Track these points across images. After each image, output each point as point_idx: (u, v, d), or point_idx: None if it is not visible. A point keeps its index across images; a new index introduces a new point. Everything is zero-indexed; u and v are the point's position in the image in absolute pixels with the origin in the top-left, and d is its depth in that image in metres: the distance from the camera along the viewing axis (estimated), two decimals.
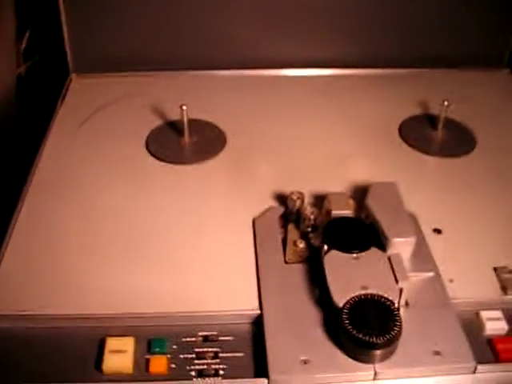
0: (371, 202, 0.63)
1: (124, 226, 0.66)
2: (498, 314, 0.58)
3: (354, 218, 0.63)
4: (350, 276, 0.56)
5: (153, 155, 0.77)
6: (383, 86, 0.92)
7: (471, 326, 0.56)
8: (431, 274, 0.60)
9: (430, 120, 0.84)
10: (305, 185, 0.68)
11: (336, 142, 0.80)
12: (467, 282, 0.61)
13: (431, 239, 0.64)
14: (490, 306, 0.58)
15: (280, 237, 0.64)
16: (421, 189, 0.72)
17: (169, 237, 0.64)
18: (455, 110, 0.81)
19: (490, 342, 0.55)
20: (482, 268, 0.62)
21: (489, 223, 0.68)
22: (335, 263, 0.57)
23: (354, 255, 0.58)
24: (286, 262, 0.61)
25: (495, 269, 0.62)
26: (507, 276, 0.61)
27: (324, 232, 0.59)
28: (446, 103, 0.78)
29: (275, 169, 0.75)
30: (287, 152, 0.78)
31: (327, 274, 0.56)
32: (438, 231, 0.66)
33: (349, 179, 0.72)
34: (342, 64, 0.94)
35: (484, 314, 0.57)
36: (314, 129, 0.83)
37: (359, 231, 0.60)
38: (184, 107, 0.75)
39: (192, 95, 0.85)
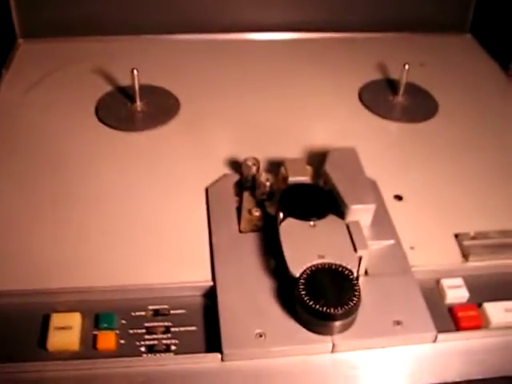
0: (329, 168, 0.60)
1: (71, 196, 0.62)
2: (458, 281, 0.56)
3: (311, 184, 0.60)
4: (306, 245, 0.53)
5: (102, 122, 0.73)
6: (342, 50, 0.90)
7: (432, 295, 0.55)
8: (391, 241, 0.59)
9: (391, 85, 0.82)
10: (260, 151, 0.66)
11: (294, 106, 0.78)
12: (428, 249, 0.59)
13: (392, 206, 0.62)
14: (451, 274, 0.57)
15: (234, 205, 0.61)
16: (381, 155, 0.70)
17: (117, 206, 0.61)
18: (416, 74, 0.80)
19: (451, 310, 0.54)
20: (444, 235, 0.60)
21: (450, 190, 0.66)
22: (291, 231, 0.55)
23: (311, 223, 0.55)
24: (240, 232, 0.58)
25: (456, 235, 0.60)
26: (468, 243, 0.59)
27: (280, 199, 0.57)
28: (406, 67, 0.75)
29: (230, 135, 0.72)
30: (243, 118, 0.75)
31: (283, 243, 0.53)
32: (398, 198, 0.64)
33: (306, 145, 0.70)
34: (303, 28, 0.91)
35: (445, 282, 0.56)
36: (272, 94, 0.80)
37: (316, 198, 0.58)
38: (135, 71, 0.72)
39: (145, 61, 0.82)
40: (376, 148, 0.70)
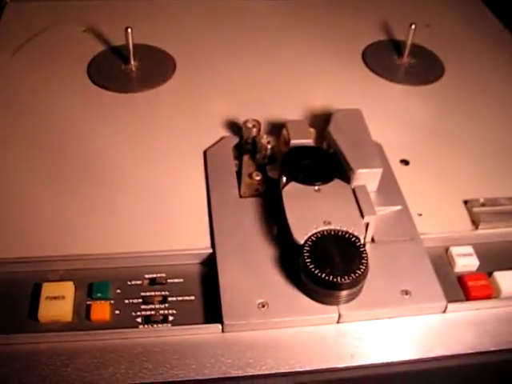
0: (334, 130, 0.58)
1: (65, 160, 0.59)
2: (468, 249, 0.54)
3: (315, 147, 0.57)
4: (311, 210, 0.51)
5: (95, 83, 0.69)
6: (344, 10, 0.86)
7: (441, 263, 0.53)
8: (399, 207, 0.56)
9: (395, 46, 0.79)
10: (261, 113, 0.63)
11: (295, 68, 0.74)
12: (437, 216, 0.56)
13: (398, 171, 0.60)
14: (460, 242, 0.54)
15: (234, 169, 0.59)
16: (387, 118, 0.67)
17: (113, 171, 0.58)
18: (421, 35, 0.76)
19: (461, 279, 0.52)
20: (452, 201, 0.58)
21: (459, 155, 0.63)
22: (295, 196, 0.52)
23: (316, 187, 0.53)
24: (240, 197, 0.56)
25: (465, 202, 0.58)
26: (478, 209, 0.57)
27: (282, 163, 0.54)
28: (413, 27, 0.72)
29: (228, 97, 0.69)
30: (242, 79, 0.72)
31: (286, 209, 0.51)
32: (405, 162, 0.62)
33: (308, 107, 0.67)
34: None
35: (454, 250, 0.54)
36: (272, 54, 0.76)
37: (321, 161, 0.55)
38: (129, 30, 0.68)
39: (139, 19, 0.78)
40: (381, 111, 0.67)
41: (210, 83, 0.71)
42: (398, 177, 0.59)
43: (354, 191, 0.53)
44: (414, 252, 0.52)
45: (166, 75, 0.71)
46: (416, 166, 0.61)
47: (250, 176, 0.57)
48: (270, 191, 0.56)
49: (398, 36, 0.80)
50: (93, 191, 0.56)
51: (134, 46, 0.71)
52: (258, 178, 0.57)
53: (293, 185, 0.53)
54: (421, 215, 0.56)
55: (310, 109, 0.66)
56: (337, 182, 0.53)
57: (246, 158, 0.59)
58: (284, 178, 0.53)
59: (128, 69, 0.72)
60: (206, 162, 0.59)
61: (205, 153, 0.60)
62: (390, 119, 0.66)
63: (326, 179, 0.53)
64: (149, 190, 0.56)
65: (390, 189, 0.57)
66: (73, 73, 0.71)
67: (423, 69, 0.75)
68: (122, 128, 0.63)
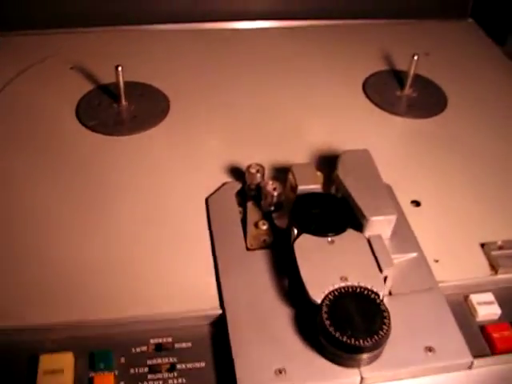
0: (342, 173, 0.55)
1: (58, 212, 0.56)
2: (489, 296, 0.51)
3: (324, 193, 0.54)
4: (326, 265, 0.48)
5: (85, 125, 0.66)
6: (341, 39, 0.84)
7: (461, 312, 0.50)
8: (414, 254, 0.53)
9: (396, 76, 0.76)
10: (262, 155, 0.60)
11: (294, 102, 0.71)
12: (453, 261, 0.54)
13: (410, 213, 0.57)
14: (479, 288, 0.52)
15: (239, 218, 0.55)
16: (392, 155, 0.64)
17: (109, 224, 0.54)
18: (421, 64, 0.73)
19: (483, 329, 0.49)
20: (469, 244, 0.55)
21: (471, 193, 0.60)
22: (307, 250, 0.49)
23: (329, 239, 0.49)
24: (247, 249, 0.52)
25: (482, 245, 0.55)
26: (496, 253, 0.54)
27: (292, 213, 0.51)
28: (415, 58, 0.69)
29: (228, 138, 0.66)
30: (241, 117, 0.68)
31: (299, 264, 0.47)
32: (416, 203, 0.59)
33: (312, 146, 0.64)
34: (300, 15, 0.85)
35: (474, 298, 0.51)
36: (269, 89, 0.73)
37: (331, 209, 0.52)
38: (119, 68, 0.65)
39: (128, 54, 0.75)
40: (386, 147, 0.65)
41: (206, 124, 0.67)
42: (410, 219, 0.56)
43: (369, 241, 0.50)
44: (434, 304, 0.50)
45: (160, 115, 0.67)
46: (428, 206, 0.58)
47: (256, 225, 0.54)
48: (279, 242, 0.52)
49: (398, 65, 0.78)
50: (88, 249, 0.52)
51: (125, 83, 0.67)
52: (265, 227, 0.54)
53: (305, 237, 0.49)
54: (437, 261, 0.53)
55: (313, 149, 0.63)
56: (350, 233, 0.50)
57: (250, 205, 0.56)
58: (295, 231, 0.49)
59: (119, 109, 0.68)
60: (208, 210, 0.56)
61: (207, 200, 0.57)
62: (397, 156, 0.64)
63: (339, 229, 0.50)
64: (149, 245, 0.53)
65: (403, 234, 0.54)
66: (60, 114, 0.67)
67: (426, 100, 0.73)
68: (115, 175, 0.60)
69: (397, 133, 0.68)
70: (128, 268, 0.51)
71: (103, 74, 0.73)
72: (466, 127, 0.69)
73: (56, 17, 0.80)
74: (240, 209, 0.56)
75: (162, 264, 0.51)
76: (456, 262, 0.54)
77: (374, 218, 0.51)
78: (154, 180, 0.59)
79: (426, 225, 0.56)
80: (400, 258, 0.53)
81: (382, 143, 0.65)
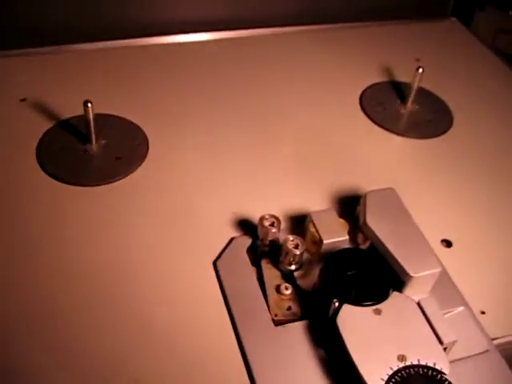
0: (371, 220, 0.47)
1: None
2: None
3: (355, 248, 0.47)
4: (378, 342, 0.41)
5: (49, 174, 0.55)
6: (324, 45, 0.75)
7: None
8: (461, 308, 0.46)
9: (396, 88, 0.68)
10: (267, 201, 0.53)
11: (287, 126, 0.63)
12: (500, 310, 0.48)
13: (443, 256, 0.50)
14: None
15: (255, 281, 0.47)
16: (408, 185, 0.57)
17: (92, 311, 0.45)
18: (412, 71, 0.65)
19: None
20: None
21: (506, 226, 0.54)
22: (353, 326, 0.41)
23: (374, 307, 0.42)
24: (273, 321, 0.44)
25: None
26: None
27: (326, 279, 0.43)
28: (420, 71, 0.62)
29: (222, 183, 0.56)
30: (230, 152, 0.59)
31: (348, 346, 0.40)
32: (446, 243, 0.52)
33: (319, 183, 0.56)
34: (287, 21, 0.76)
35: None
36: (258, 111, 0.64)
37: (370, 269, 0.44)
38: (89, 104, 0.54)
39: (87, 78, 0.64)
40: (399, 175, 0.58)
41: (192, 165, 0.57)
42: (444, 263, 0.49)
43: (419, 305, 0.43)
44: (494, 369, 0.44)
45: (138, 157, 0.57)
46: (460, 246, 0.52)
47: (278, 289, 0.46)
48: (307, 308, 0.45)
49: (393, 75, 0.71)
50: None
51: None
52: (288, 291, 0.46)
53: (347, 309, 0.42)
54: (484, 313, 0.47)
55: (321, 186, 0.56)
56: (396, 297, 0.43)
57: (265, 264, 0.48)
58: (336, 303, 0.42)
59: (89, 152, 0.57)
60: (219, 277, 0.47)
61: (215, 264, 0.48)
62: (413, 186, 0.57)
63: (383, 295, 0.43)
64: (155, 330, 0.44)
65: (442, 283, 0.47)
66: (18, 157, 0.56)
67: (429, 116, 0.66)
68: (88, 235, 0.50)
69: (404, 156, 0.61)
70: (130, 361, 0.42)
71: (67, 104, 0.61)
72: (481, 145, 0.62)
73: None
74: (254, 267, 0.48)
75: (179, 348, 0.43)
76: (503, 311, 0.48)
77: (417, 275, 0.44)
78: (142, 241, 0.50)
79: (462, 268, 0.50)
80: (446, 314, 0.46)
81: (391, 169, 0.59)
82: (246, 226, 0.51)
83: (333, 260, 0.45)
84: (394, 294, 0.43)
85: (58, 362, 0.41)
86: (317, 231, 0.47)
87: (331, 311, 0.42)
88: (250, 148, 0.59)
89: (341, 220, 0.49)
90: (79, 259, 0.47)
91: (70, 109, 0.60)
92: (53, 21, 0.70)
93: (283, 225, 0.49)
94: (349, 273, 0.44)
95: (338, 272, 0.44)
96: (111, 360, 0.41)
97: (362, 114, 0.65)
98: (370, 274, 0.44)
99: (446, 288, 0.48)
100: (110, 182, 0.55)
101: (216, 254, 0.49)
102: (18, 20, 0.69)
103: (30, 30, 0.69)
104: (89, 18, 0.71)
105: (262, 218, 0.48)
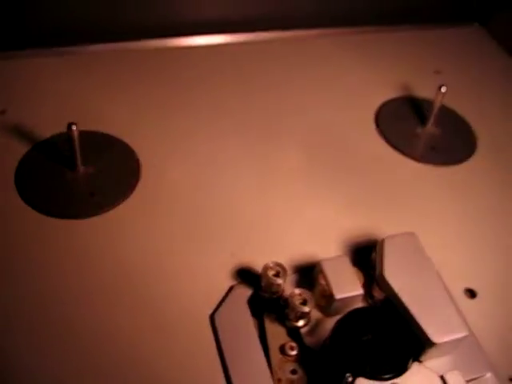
0: (390, 273, 0.42)
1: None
2: None
3: (372, 307, 0.42)
4: None
5: (28, 203, 0.49)
6: (341, 50, 0.69)
7: None
8: (488, 375, 0.41)
9: (412, 104, 0.62)
10: (267, 244, 0.48)
11: (293, 151, 0.57)
12: None
13: (467, 309, 0.45)
14: None
15: (256, 335, 0.41)
16: (424, 221, 0.51)
17: None
18: (434, 86, 0.58)
19: None
20: None
21: None
22: None
23: (392, 381, 0.37)
24: None
25: None
26: None
27: (336, 346, 0.38)
28: (443, 90, 0.56)
29: (218, 219, 0.50)
30: (231, 189, 0.53)
31: None
32: (470, 293, 0.47)
33: (326, 225, 0.50)
34: (262, 26, 0.70)
35: None
36: (264, 137, 0.58)
37: (387, 334, 0.39)
38: (73, 127, 0.48)
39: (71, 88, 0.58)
40: (418, 211, 0.52)
41: (188, 197, 0.51)
42: (468, 318, 0.44)
43: (442, 379, 0.38)
44: None
45: (129, 182, 0.51)
46: (485, 296, 0.46)
47: (283, 350, 0.41)
48: (314, 372, 0.40)
49: (412, 90, 0.65)
50: None
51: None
52: (294, 352, 0.41)
53: (361, 383, 0.36)
54: None
55: (328, 228, 0.50)
56: (417, 371, 0.38)
57: (268, 319, 0.43)
58: (350, 378, 0.36)
59: (75, 178, 0.51)
60: (216, 333, 0.42)
61: (212, 318, 0.43)
62: (433, 225, 0.51)
63: (402, 367, 0.37)
64: None
65: (467, 345, 0.42)
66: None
67: (452, 140, 0.60)
68: (74, 279, 0.44)
69: (423, 187, 0.55)
70: None
71: (47, 123, 0.55)
72: (508, 174, 0.57)
73: None
74: (254, 320, 0.43)
75: None
76: None
77: (441, 341, 0.38)
78: (132, 288, 0.44)
79: (489, 325, 0.44)
80: (470, 382, 0.40)
81: (409, 204, 0.53)
82: (246, 273, 0.45)
83: (345, 324, 0.39)
84: (415, 366, 0.38)
85: None
86: (327, 284, 0.42)
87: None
88: (255, 180, 0.54)
89: (354, 268, 0.44)
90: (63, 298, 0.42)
91: (54, 126, 0.54)
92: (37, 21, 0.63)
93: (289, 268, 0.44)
94: (363, 338, 0.39)
95: (350, 339, 0.38)
96: None
97: (377, 135, 0.59)
98: (386, 338, 0.39)
99: (471, 350, 0.42)
100: (95, 215, 0.49)
101: (213, 305, 0.43)
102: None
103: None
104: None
105: (265, 268, 0.43)
